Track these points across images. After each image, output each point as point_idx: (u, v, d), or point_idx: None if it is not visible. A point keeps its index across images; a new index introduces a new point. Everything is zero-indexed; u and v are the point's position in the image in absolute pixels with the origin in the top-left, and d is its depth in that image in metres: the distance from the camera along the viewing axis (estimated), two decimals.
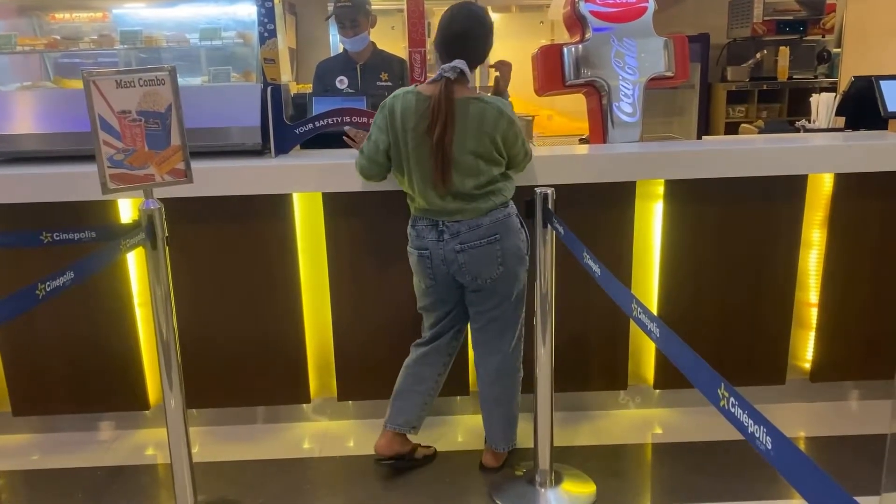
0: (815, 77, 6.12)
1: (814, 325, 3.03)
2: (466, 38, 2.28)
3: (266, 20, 2.79)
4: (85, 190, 2.61)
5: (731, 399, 1.09)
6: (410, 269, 2.55)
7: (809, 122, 3.54)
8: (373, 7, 3.57)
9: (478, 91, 2.34)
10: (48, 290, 1.63)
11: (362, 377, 2.98)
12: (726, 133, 5.95)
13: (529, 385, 2.48)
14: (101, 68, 2.02)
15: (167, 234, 2.14)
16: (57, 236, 2.18)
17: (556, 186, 2.34)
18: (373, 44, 3.71)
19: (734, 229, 2.89)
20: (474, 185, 2.32)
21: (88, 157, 2.23)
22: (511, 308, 2.49)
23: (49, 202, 2.68)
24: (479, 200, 2.35)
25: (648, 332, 1.46)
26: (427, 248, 2.40)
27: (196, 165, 2.21)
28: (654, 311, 2.97)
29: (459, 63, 2.24)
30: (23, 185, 2.66)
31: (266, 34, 2.81)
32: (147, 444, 2.93)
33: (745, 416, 1.05)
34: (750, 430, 1.03)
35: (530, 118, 3.64)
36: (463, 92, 2.28)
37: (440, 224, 2.37)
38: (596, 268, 1.84)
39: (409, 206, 2.48)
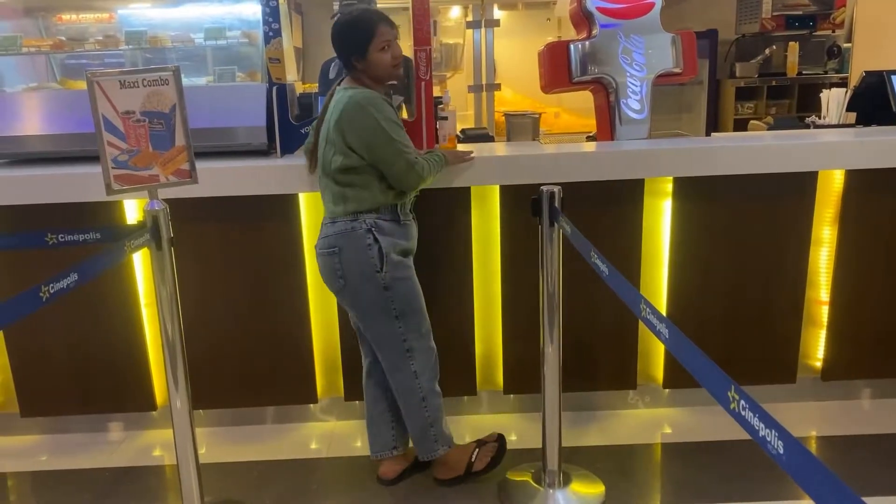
0: (826, 72, 6.07)
1: (825, 323, 3.00)
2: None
3: (271, 19, 2.78)
4: (90, 191, 2.60)
5: (742, 402, 1.07)
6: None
7: (820, 118, 3.51)
8: (378, 6, 3.55)
9: (356, 85, 2.34)
10: (52, 292, 1.62)
11: None
12: (735, 130, 5.91)
13: (537, 384, 2.46)
14: (106, 69, 2.01)
15: (172, 235, 2.14)
16: (61, 237, 2.17)
17: (562, 184, 2.31)
18: None
19: (743, 227, 2.86)
20: (324, 170, 2.35)
21: (94, 158, 2.22)
22: (374, 324, 2.38)
23: (53, 203, 2.68)
24: (333, 198, 2.34)
25: (657, 333, 1.44)
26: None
27: (201, 166, 2.20)
28: (663, 310, 2.94)
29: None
30: (27, 187, 2.66)
31: (271, 33, 2.80)
32: (154, 444, 2.93)
33: (755, 419, 1.03)
34: (761, 433, 1.01)
35: (537, 115, 3.61)
36: (344, 84, 2.37)
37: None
38: (604, 267, 1.82)
39: None
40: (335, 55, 2.39)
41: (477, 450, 2.59)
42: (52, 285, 1.63)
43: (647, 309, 1.50)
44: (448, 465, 2.55)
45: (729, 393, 1.10)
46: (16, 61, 3.28)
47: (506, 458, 2.67)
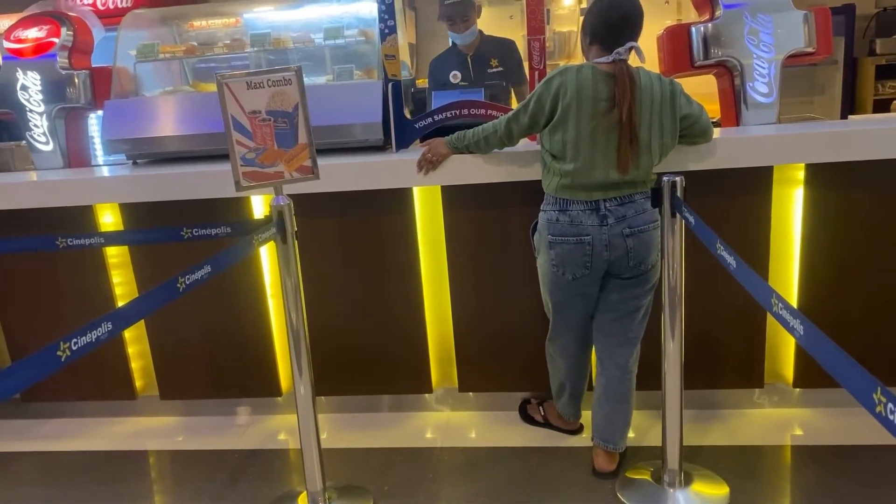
0: None
1: None
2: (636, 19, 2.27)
3: (387, 17, 2.83)
4: (220, 188, 2.75)
5: (890, 405, 0.99)
6: (532, 260, 2.51)
7: None
8: None
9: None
10: (188, 283, 1.72)
11: (482, 369, 2.98)
12: (875, 112, 5.48)
13: (657, 381, 2.38)
14: (233, 71, 2.11)
15: (296, 229, 2.22)
16: (196, 232, 2.31)
17: (685, 173, 2.22)
18: (480, 32, 3.70)
19: (885, 217, 2.65)
20: (663, 153, 2.33)
21: (223, 157, 2.34)
22: (651, 296, 2.45)
23: (188, 200, 2.85)
24: (648, 179, 2.32)
25: (791, 329, 1.36)
26: (588, 234, 2.30)
27: (322, 162, 2.28)
28: (794, 305, 2.77)
29: (632, 43, 2.23)
30: (163, 185, 2.84)
31: (386, 31, 2.85)
32: (279, 429, 3.07)
33: None
34: None
35: None
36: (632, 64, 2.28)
37: (602, 207, 2.28)
38: (731, 259, 1.74)
39: (551, 191, 2.36)
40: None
41: None
42: (187, 277, 1.73)
43: (780, 304, 1.42)
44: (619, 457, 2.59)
45: (875, 395, 1.02)
46: (153, 67, 3.51)
47: (625, 455, 2.62)
